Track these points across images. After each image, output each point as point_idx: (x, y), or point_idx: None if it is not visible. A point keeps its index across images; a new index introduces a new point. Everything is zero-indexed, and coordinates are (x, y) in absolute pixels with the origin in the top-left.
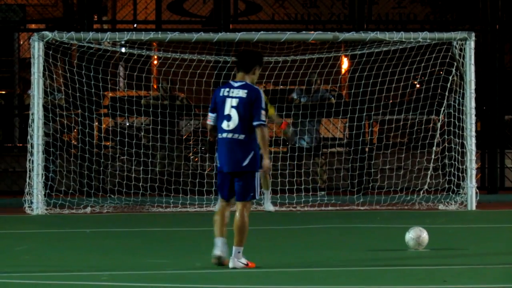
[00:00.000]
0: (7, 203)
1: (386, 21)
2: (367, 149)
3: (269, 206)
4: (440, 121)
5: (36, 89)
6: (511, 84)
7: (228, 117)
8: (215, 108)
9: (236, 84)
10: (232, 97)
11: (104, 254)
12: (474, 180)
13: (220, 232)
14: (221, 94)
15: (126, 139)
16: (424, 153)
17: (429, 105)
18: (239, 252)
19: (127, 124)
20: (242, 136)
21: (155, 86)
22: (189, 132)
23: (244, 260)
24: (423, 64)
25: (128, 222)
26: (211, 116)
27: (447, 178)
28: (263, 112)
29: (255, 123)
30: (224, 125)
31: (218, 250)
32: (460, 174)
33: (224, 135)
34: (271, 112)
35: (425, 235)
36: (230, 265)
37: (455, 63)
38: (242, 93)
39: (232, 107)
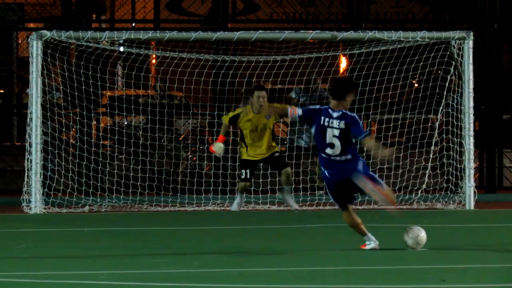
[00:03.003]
0: (5, 202)
1: (385, 20)
2: (365, 148)
3: (293, 204)
4: (439, 120)
5: (34, 88)
6: (509, 84)
7: (332, 145)
8: (309, 119)
9: (334, 114)
10: (332, 128)
11: (102, 253)
12: (472, 180)
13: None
14: (321, 123)
15: (124, 138)
16: (422, 152)
17: (427, 104)
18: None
19: (125, 123)
20: (349, 156)
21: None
22: (187, 131)
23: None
24: (421, 64)
25: (126, 221)
26: (299, 110)
27: (445, 177)
28: (361, 125)
29: (360, 137)
30: (329, 151)
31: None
32: (458, 174)
33: (332, 158)
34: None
35: (423, 235)
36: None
37: (454, 63)
38: (342, 124)
39: (334, 136)
